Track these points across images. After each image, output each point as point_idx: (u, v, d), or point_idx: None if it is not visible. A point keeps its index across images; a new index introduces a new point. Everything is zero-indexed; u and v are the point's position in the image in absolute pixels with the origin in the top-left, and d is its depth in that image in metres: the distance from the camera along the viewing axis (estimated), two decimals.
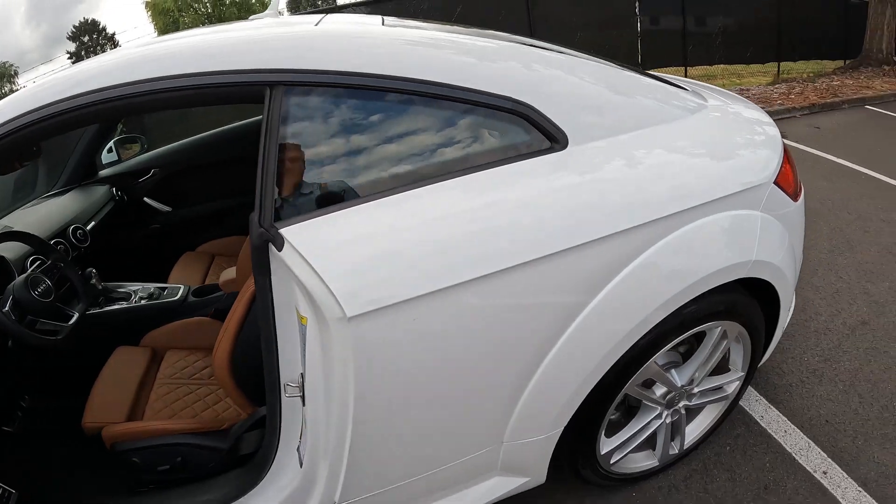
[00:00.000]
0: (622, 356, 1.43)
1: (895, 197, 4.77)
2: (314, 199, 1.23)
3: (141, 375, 1.94)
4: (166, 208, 2.94)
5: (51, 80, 1.27)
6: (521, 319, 1.29)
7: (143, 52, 1.29)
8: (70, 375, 2.03)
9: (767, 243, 1.60)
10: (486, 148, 1.33)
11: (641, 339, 1.44)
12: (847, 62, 12.88)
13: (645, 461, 1.92)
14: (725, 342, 1.74)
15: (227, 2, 32.56)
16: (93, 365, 1.94)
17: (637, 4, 10.55)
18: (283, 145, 1.21)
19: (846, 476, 2.00)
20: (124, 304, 2.19)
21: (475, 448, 1.43)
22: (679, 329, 1.53)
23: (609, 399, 1.54)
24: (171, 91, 1.20)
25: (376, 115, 1.29)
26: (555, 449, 1.55)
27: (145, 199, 2.89)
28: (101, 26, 35.57)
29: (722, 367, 1.90)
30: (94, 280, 2.17)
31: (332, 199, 1.23)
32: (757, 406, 2.30)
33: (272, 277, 1.22)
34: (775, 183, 1.65)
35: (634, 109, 1.51)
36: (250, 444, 1.61)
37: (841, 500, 1.91)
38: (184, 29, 32.19)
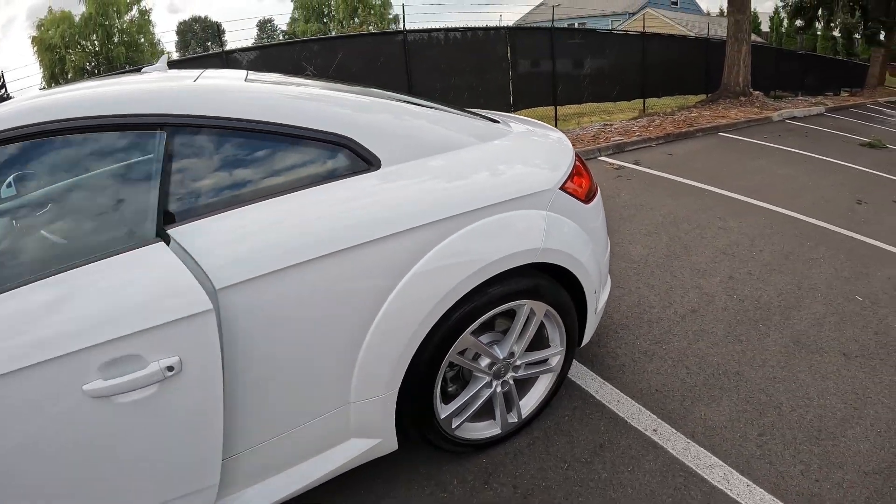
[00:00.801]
0: (437, 327, 1.95)
1: (733, 207, 5.58)
2: (192, 208, 1.71)
3: None
4: (63, 241, 3.22)
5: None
6: (346, 294, 1.81)
7: (69, 96, 1.72)
8: None
9: (556, 236, 2.19)
10: (320, 170, 1.89)
11: (453, 312, 1.98)
12: (708, 95, 14.76)
13: (488, 429, 2.39)
14: (536, 319, 2.28)
15: (115, 40, 32.89)
16: None
17: (508, 49, 11.66)
18: (170, 170, 1.70)
19: (675, 431, 2.47)
20: None
21: (328, 406, 1.89)
22: (487, 305, 2.08)
23: (435, 366, 2.05)
24: (86, 129, 1.66)
25: (242, 147, 1.81)
26: (399, 415, 2.02)
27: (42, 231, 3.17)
28: None
29: (545, 343, 2.44)
30: None
31: (206, 208, 1.72)
32: (592, 383, 2.82)
33: None
34: (562, 189, 2.25)
35: (439, 138, 2.12)
36: None
37: (671, 450, 2.38)
38: (69, 65, 31.49)
